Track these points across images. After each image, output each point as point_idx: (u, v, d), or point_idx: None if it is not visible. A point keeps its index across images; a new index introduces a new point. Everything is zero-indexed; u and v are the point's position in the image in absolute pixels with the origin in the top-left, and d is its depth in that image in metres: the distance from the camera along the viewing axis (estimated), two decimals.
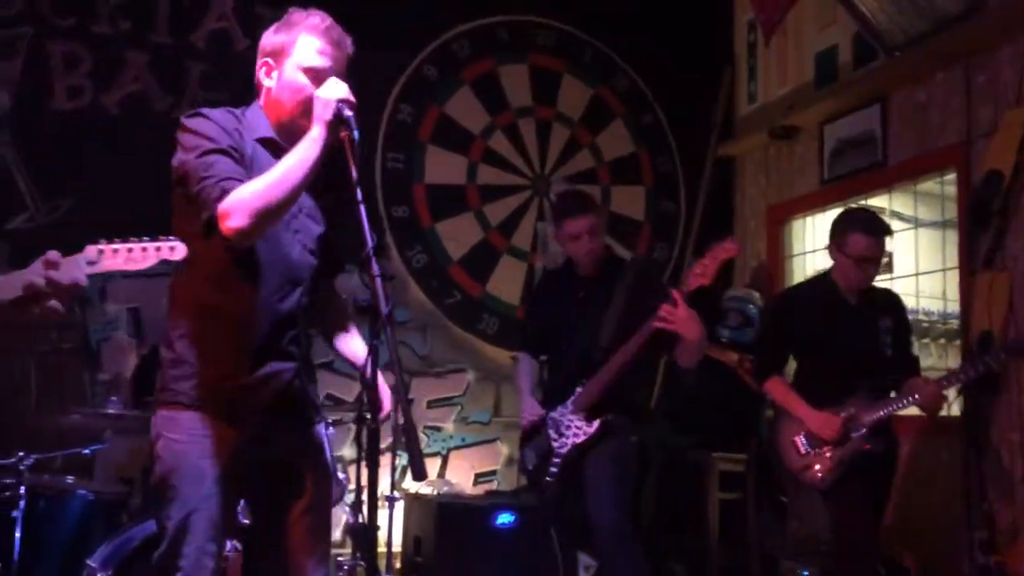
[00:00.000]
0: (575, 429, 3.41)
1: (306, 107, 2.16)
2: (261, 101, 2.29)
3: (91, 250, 2.04)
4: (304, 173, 2.06)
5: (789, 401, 3.58)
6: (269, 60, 2.26)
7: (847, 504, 3.46)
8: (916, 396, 3.43)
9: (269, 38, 2.28)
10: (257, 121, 2.25)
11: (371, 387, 1.99)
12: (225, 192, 2.02)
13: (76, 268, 2.02)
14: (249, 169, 2.14)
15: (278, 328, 2.22)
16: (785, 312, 3.78)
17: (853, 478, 3.45)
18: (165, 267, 2.12)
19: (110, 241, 2.04)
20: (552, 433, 3.48)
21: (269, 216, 2.04)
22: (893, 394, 3.55)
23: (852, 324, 3.56)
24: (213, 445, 2.14)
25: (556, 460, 3.46)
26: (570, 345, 3.55)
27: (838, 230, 3.56)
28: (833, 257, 3.62)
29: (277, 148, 2.19)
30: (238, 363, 2.17)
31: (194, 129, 2.13)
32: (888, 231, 3.58)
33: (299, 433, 2.30)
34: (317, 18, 2.25)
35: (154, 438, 2.18)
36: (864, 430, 3.45)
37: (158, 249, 2.05)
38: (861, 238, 3.47)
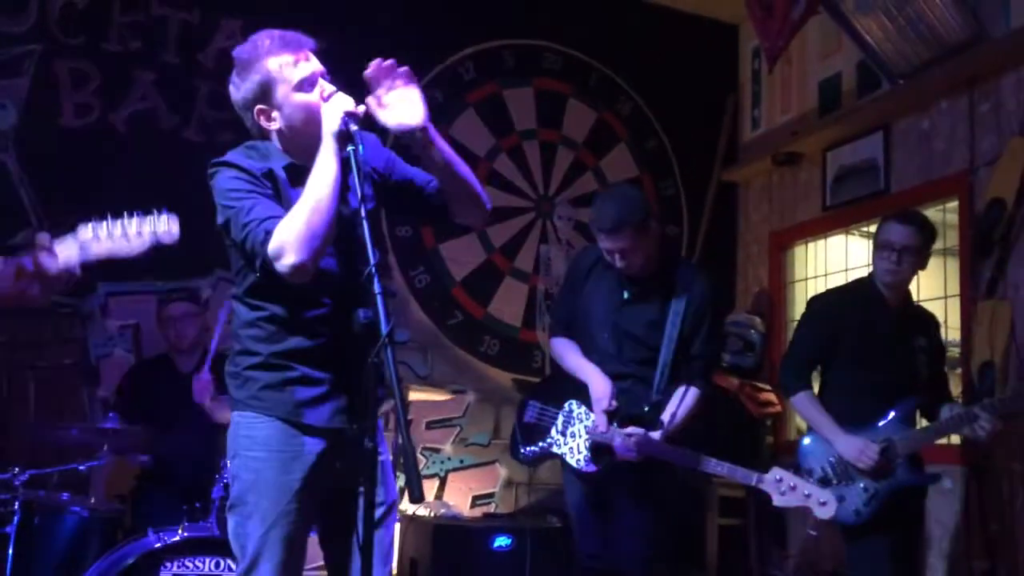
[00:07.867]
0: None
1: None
2: (276, 143, 2.24)
3: (84, 231, 2.04)
4: (330, 190, 2.05)
5: (819, 421, 3.28)
6: (260, 105, 2.19)
7: (875, 544, 3.17)
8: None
9: (243, 89, 2.20)
10: (277, 153, 2.23)
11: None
12: (268, 233, 2.02)
13: (68, 251, 2.02)
14: (279, 198, 2.14)
15: None
16: (825, 312, 3.46)
17: (882, 515, 3.16)
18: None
19: (102, 219, 2.04)
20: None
21: (317, 243, 2.02)
22: (922, 420, 3.37)
23: (890, 336, 3.33)
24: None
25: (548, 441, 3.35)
26: (610, 346, 3.29)
27: (878, 227, 3.40)
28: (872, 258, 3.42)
29: (301, 172, 2.14)
30: None
31: (222, 186, 2.13)
32: (926, 225, 3.32)
33: None
34: (267, 39, 2.19)
35: None
36: (901, 459, 3.17)
37: (153, 233, 2.07)
38: (890, 225, 3.30)
